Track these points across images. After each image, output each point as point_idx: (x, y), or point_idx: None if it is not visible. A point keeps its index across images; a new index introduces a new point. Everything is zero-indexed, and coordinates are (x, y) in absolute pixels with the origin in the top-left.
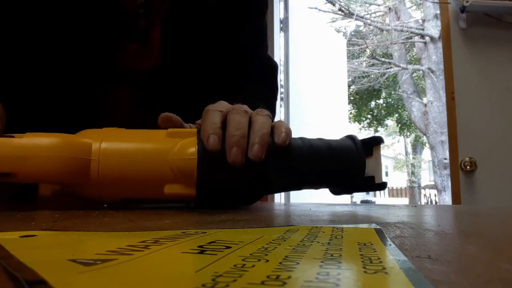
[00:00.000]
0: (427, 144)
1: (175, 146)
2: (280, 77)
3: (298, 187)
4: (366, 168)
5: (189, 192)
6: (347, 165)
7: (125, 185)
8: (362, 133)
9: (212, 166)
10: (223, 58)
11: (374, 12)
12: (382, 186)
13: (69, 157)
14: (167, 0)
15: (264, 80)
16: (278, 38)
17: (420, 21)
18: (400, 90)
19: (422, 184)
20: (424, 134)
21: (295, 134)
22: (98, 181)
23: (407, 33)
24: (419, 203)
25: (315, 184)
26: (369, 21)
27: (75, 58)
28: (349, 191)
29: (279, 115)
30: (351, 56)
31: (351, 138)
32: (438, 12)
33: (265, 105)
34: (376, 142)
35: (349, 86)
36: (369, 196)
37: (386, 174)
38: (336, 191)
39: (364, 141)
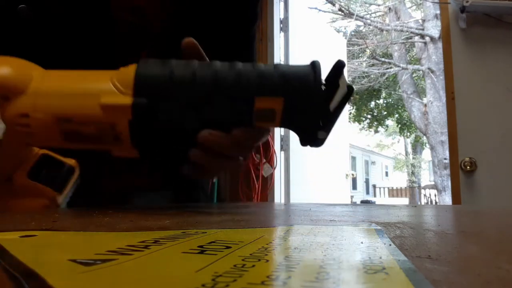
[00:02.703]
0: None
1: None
2: None
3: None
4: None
5: (126, 102)
6: (298, 96)
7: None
8: (362, 133)
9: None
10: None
11: (374, 12)
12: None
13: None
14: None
15: None
16: (278, 38)
17: (420, 21)
18: (400, 90)
19: (422, 184)
20: (424, 134)
21: (295, 134)
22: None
23: (407, 33)
24: (419, 203)
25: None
26: (369, 21)
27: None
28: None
29: None
30: (351, 56)
31: (312, 64)
32: (438, 12)
33: None
34: (338, 68)
35: None
36: (369, 196)
37: (386, 174)
38: (303, 139)
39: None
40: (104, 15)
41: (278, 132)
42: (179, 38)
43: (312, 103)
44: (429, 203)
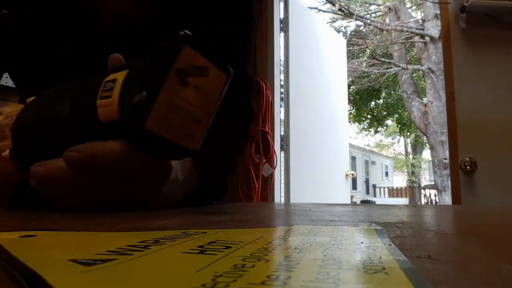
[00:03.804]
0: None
1: None
2: (280, 77)
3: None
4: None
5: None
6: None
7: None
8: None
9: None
10: None
11: (374, 12)
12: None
13: None
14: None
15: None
16: (278, 38)
17: (420, 21)
18: (400, 90)
19: (422, 184)
20: (424, 134)
21: (295, 134)
22: None
23: (407, 33)
24: (419, 203)
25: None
26: (369, 21)
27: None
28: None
29: (280, 115)
30: (351, 56)
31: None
32: (438, 12)
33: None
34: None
35: (349, 86)
36: (369, 196)
37: (386, 174)
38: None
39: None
40: (85, 12)
41: (278, 132)
42: (163, 27)
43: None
44: (429, 203)
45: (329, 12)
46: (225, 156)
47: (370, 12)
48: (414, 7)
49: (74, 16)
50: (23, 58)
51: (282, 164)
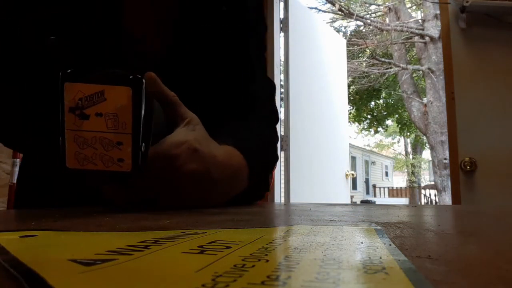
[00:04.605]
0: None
1: None
2: (280, 77)
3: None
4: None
5: None
6: None
7: None
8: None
9: None
10: (229, 64)
11: (374, 12)
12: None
13: None
14: (175, 11)
15: (262, 101)
16: (278, 38)
17: (420, 21)
18: (400, 90)
19: (422, 184)
20: (424, 134)
21: (295, 134)
22: None
23: (407, 33)
24: (419, 203)
25: None
26: (369, 21)
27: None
28: None
29: (280, 115)
30: (351, 56)
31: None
32: (438, 12)
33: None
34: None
35: (349, 86)
36: (369, 196)
37: (386, 174)
38: None
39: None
40: (115, 45)
41: (279, 132)
42: (181, 64)
43: None
44: (429, 203)
45: (329, 12)
46: (265, 155)
47: (370, 12)
48: (414, 7)
49: (107, 39)
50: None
51: (282, 164)
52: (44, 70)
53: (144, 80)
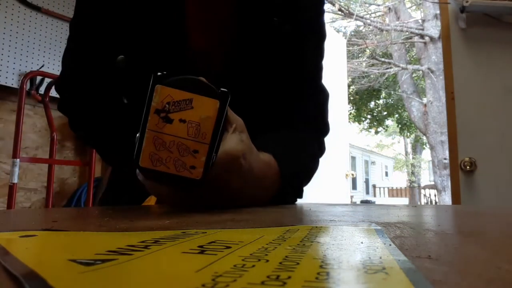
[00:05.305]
0: (427, 144)
1: None
2: None
3: None
4: None
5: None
6: None
7: None
8: (363, 133)
9: None
10: (285, 79)
11: (374, 12)
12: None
13: None
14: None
15: (315, 113)
16: None
17: (420, 21)
18: (400, 90)
19: (422, 184)
20: (424, 134)
21: None
22: None
23: (407, 33)
24: (419, 203)
25: None
26: (369, 21)
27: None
28: None
29: None
30: (351, 56)
31: None
32: (438, 12)
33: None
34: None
35: (349, 86)
36: (369, 196)
37: (386, 174)
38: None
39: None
40: (181, 62)
41: None
42: (239, 79)
43: None
44: (429, 203)
45: (329, 12)
46: (303, 166)
47: (370, 12)
48: (414, 7)
49: (173, 57)
50: (131, 96)
51: None
52: (115, 88)
53: (229, 96)
